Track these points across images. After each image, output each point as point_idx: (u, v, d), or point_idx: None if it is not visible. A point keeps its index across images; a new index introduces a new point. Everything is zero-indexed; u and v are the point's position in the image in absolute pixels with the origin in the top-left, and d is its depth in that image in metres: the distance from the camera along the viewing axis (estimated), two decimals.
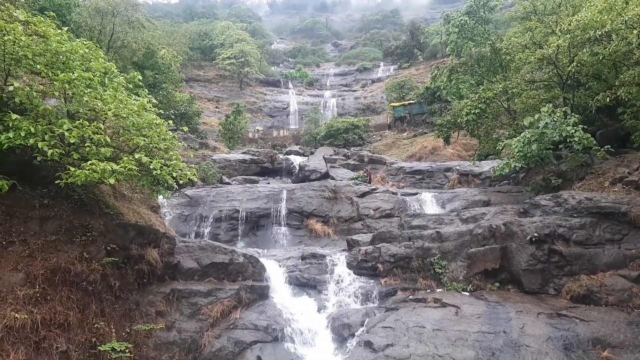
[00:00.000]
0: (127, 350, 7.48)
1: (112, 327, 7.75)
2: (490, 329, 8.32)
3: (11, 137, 7.09)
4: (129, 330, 8.01)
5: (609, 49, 11.58)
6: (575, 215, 10.17)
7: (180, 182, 8.75)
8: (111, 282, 8.20)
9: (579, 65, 12.98)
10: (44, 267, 7.46)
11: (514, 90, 15.67)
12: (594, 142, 12.16)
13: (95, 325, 7.58)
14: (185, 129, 11.82)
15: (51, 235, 7.96)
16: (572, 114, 12.68)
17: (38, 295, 7.21)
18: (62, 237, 8.03)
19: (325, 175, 18.59)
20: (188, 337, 8.42)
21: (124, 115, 8.14)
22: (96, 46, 9.19)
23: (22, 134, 7.12)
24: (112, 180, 7.49)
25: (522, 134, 12.76)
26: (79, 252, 7.96)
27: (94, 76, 8.26)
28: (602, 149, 12.30)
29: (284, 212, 15.71)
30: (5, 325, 6.67)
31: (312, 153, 26.85)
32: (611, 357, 7.58)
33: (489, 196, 15.24)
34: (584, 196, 10.55)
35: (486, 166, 18.54)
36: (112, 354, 7.37)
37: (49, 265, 7.52)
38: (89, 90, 8.07)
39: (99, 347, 7.37)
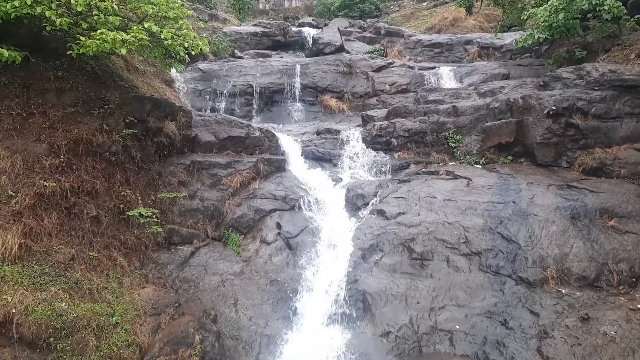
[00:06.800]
0: (153, 216, 7.95)
1: (137, 195, 8.15)
2: (500, 199, 8.59)
3: (17, 5, 6.84)
4: (154, 198, 8.42)
5: None
6: (597, 88, 9.92)
7: (192, 53, 8.56)
8: (133, 153, 8.45)
9: None
10: (66, 138, 7.66)
11: None
12: (625, 11, 11.43)
13: (122, 193, 7.96)
14: None
15: (69, 107, 8.06)
16: None
17: (64, 164, 7.49)
18: (80, 109, 8.12)
19: (340, 49, 17.97)
20: (210, 205, 8.87)
21: None
22: None
23: (29, 2, 6.86)
24: (123, 51, 7.37)
25: (549, 2, 11.97)
26: (98, 123, 8.10)
27: None
28: (632, 19, 11.60)
29: (298, 87, 15.47)
30: (35, 192, 7.03)
31: (325, 25, 25.63)
32: (617, 226, 7.86)
33: (509, 69, 14.77)
34: (608, 68, 10.21)
35: (508, 38, 17.69)
36: (140, 219, 7.85)
37: (71, 136, 7.72)
38: None
39: (127, 213, 7.82)
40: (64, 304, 6.40)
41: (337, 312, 7.47)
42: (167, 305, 7.27)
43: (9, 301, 6.03)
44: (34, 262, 6.64)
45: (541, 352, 6.47)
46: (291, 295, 7.73)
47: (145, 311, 7.00)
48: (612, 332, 6.45)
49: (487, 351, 6.75)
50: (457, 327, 7.07)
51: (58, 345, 6.09)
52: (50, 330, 6.11)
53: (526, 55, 16.66)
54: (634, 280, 7.35)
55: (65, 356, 6.06)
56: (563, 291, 7.21)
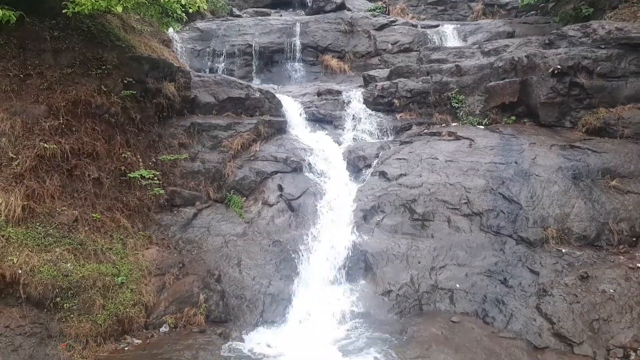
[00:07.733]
0: (155, 178, 7.94)
1: (138, 157, 8.11)
2: (502, 159, 8.56)
3: None
4: (154, 160, 8.40)
5: None
6: (603, 47, 9.71)
7: (190, 11, 8.35)
8: (132, 114, 8.35)
9: None
10: (64, 100, 7.56)
11: None
12: None
13: (123, 155, 7.92)
14: None
15: (67, 68, 7.92)
16: None
17: (63, 126, 7.42)
18: (77, 69, 7.99)
19: (341, 6, 17.51)
20: (212, 167, 8.84)
21: None
22: None
23: None
24: (119, 9, 7.19)
25: None
26: (96, 85, 7.98)
27: None
28: None
29: (298, 47, 15.19)
30: (36, 154, 6.99)
31: None
32: (619, 186, 7.87)
33: (514, 27, 14.47)
34: (615, 26, 9.97)
35: None
36: (142, 180, 7.85)
37: (69, 97, 7.61)
38: None
39: (128, 175, 7.81)
40: (69, 264, 6.48)
41: (339, 271, 7.58)
42: (172, 265, 7.36)
43: (15, 262, 6.09)
44: (37, 223, 6.68)
45: (540, 310, 6.59)
46: (293, 255, 7.81)
47: (150, 271, 7.10)
48: (611, 290, 6.54)
49: (486, 309, 6.88)
50: (458, 285, 7.18)
51: (65, 305, 6.20)
52: (57, 290, 6.21)
53: (532, 12, 16.29)
54: (634, 239, 7.41)
55: (72, 315, 6.19)
56: (563, 250, 7.28)
